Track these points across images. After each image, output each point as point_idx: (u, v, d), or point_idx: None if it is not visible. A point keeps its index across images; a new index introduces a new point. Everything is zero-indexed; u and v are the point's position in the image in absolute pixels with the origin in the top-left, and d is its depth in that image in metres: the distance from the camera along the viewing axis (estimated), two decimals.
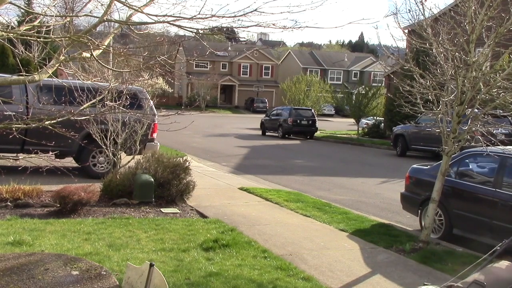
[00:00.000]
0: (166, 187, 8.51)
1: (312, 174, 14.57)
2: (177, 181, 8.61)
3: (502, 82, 6.11)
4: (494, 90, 6.34)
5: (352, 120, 34.57)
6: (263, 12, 3.33)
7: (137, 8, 3.42)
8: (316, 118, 30.04)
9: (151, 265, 3.45)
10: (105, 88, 7.50)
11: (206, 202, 8.96)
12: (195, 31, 3.65)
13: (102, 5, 3.72)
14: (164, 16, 3.38)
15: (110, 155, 9.26)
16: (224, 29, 4.71)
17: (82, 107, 4.23)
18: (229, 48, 62.16)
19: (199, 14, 3.38)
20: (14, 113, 9.26)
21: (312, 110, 30.94)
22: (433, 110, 6.91)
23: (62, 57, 3.77)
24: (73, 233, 6.29)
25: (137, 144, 9.39)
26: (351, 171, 15.65)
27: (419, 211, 7.91)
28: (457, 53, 6.01)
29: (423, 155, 19.69)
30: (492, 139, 6.99)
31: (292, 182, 12.45)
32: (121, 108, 7.70)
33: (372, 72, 66.28)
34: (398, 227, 8.01)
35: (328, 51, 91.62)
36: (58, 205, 7.36)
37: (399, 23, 6.97)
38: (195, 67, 60.23)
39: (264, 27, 3.46)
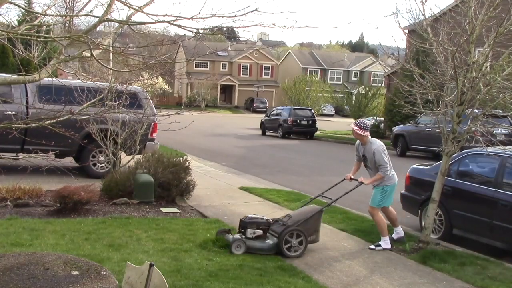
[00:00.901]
0: (166, 187, 8.50)
1: (312, 174, 14.56)
2: (177, 181, 8.61)
3: (502, 82, 6.10)
4: (494, 90, 6.34)
5: (352, 120, 34.57)
6: (264, 12, 3.33)
7: (137, 8, 3.41)
8: (316, 118, 30.04)
9: (151, 265, 3.45)
10: (105, 87, 7.51)
11: (206, 202, 8.96)
12: (195, 30, 3.64)
13: (102, 5, 3.71)
14: (164, 15, 3.38)
15: (110, 154, 9.26)
16: (224, 29, 4.71)
17: (82, 107, 4.22)
18: (229, 48, 62.14)
19: (199, 13, 3.37)
20: (14, 113, 9.28)
21: (312, 110, 30.95)
22: (433, 110, 6.91)
23: (62, 57, 3.77)
24: (73, 233, 6.29)
25: (137, 144, 9.38)
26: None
27: (419, 211, 7.91)
28: (457, 53, 6.01)
29: (423, 155, 19.68)
30: (492, 139, 6.99)
31: (292, 182, 12.43)
32: (121, 108, 7.71)
33: (372, 72, 66.31)
34: None
35: (328, 51, 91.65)
36: (58, 205, 7.36)
37: (399, 23, 6.98)
38: (195, 67, 60.23)
39: (265, 26, 3.45)
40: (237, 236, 6.23)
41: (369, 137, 6.82)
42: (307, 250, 6.37)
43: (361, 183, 6.73)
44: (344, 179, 7.04)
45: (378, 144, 6.77)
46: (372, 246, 6.65)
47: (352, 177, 6.98)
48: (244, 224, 6.28)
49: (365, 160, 6.96)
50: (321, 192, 7.03)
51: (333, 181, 6.34)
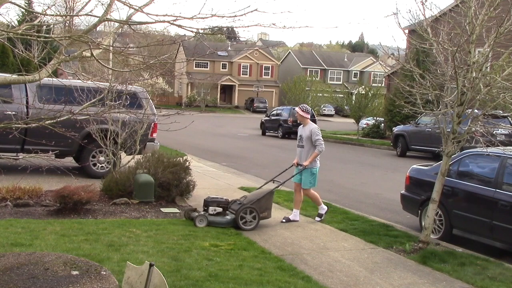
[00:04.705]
0: (166, 187, 8.50)
1: None
2: (177, 181, 8.61)
3: (502, 83, 6.10)
4: (494, 91, 6.33)
5: (352, 120, 34.58)
6: (264, 12, 3.33)
7: (137, 8, 3.40)
8: (316, 118, 30.05)
9: (151, 265, 3.45)
10: (105, 87, 7.50)
11: None
12: (195, 30, 3.64)
13: (102, 4, 3.71)
14: (164, 15, 3.37)
15: (110, 154, 9.26)
16: (224, 29, 4.72)
17: (82, 107, 4.22)
18: (229, 48, 62.13)
19: (199, 13, 3.37)
20: (14, 113, 9.28)
21: (312, 110, 30.95)
22: (433, 110, 6.91)
23: (62, 57, 3.77)
24: (73, 232, 6.29)
25: (137, 144, 9.38)
26: (351, 171, 15.64)
27: (419, 211, 7.91)
28: (457, 54, 6.01)
29: (423, 155, 19.68)
30: (492, 139, 6.99)
31: (292, 182, 12.40)
32: (121, 108, 7.70)
33: (372, 72, 66.33)
34: (398, 227, 8.01)
35: (328, 51, 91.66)
36: (58, 205, 7.36)
37: (399, 23, 6.97)
38: (195, 67, 60.23)
39: (265, 26, 3.45)
40: (201, 212, 7.27)
41: (309, 120, 8.16)
42: (306, 249, 6.38)
43: (304, 166, 8.06)
44: (292, 165, 8.26)
45: (314, 125, 8.06)
46: (318, 218, 7.97)
47: (298, 162, 8.17)
48: (207, 203, 7.36)
49: (300, 140, 8.10)
50: (273, 177, 8.26)
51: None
